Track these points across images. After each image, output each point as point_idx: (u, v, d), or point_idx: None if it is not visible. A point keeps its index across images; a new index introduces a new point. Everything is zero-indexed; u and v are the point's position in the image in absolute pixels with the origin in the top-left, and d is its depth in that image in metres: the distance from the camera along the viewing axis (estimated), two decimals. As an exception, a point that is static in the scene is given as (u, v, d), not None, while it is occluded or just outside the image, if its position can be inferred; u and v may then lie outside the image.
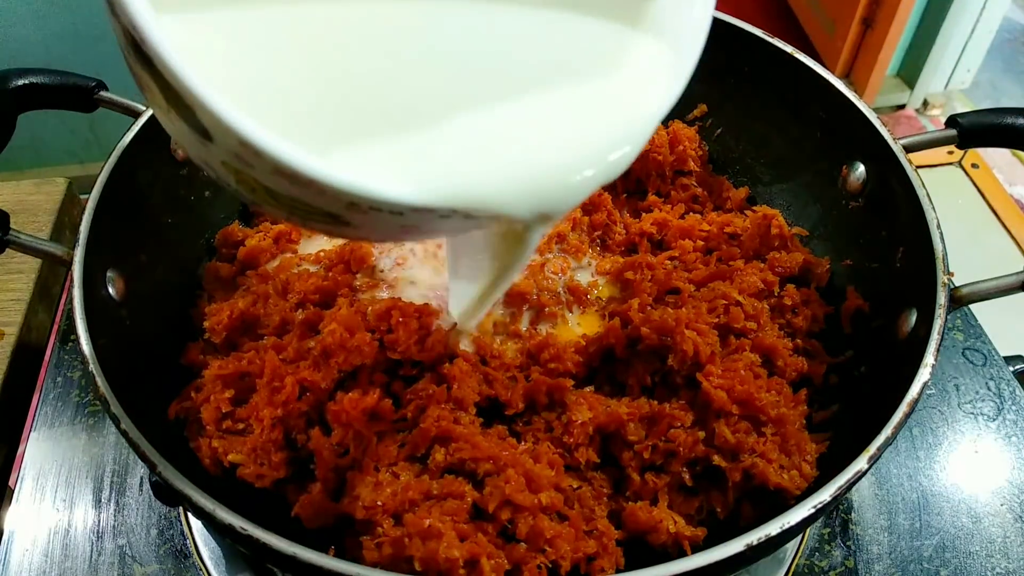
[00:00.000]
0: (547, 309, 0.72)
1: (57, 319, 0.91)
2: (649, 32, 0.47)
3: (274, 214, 0.50)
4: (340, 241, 0.77)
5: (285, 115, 0.38)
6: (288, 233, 0.77)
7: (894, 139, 0.68)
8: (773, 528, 0.47)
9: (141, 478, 0.75)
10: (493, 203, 0.40)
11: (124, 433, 0.51)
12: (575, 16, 0.46)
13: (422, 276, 0.74)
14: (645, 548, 0.58)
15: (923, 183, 0.65)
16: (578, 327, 0.72)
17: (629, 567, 0.55)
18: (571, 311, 0.73)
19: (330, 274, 0.72)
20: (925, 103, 2.23)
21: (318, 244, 0.78)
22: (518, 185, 0.41)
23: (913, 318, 0.61)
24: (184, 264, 0.76)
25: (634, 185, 0.85)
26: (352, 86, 0.40)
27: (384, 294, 0.71)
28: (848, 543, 0.72)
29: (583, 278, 0.76)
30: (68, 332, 0.86)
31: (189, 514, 0.73)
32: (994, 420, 0.80)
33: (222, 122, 0.32)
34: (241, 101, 0.33)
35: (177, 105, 0.34)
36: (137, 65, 0.34)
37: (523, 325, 0.71)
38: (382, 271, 0.74)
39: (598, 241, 0.80)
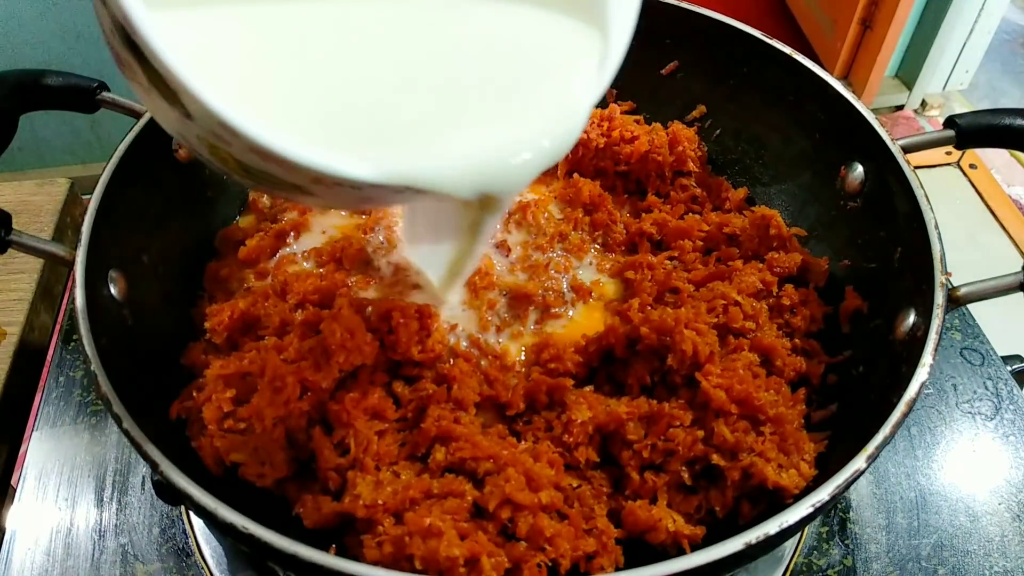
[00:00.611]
0: (552, 309, 0.72)
1: (59, 319, 0.91)
2: (584, 27, 0.51)
3: (241, 182, 0.53)
4: (331, 236, 0.78)
5: (257, 98, 0.41)
6: (288, 233, 0.77)
7: (892, 140, 0.69)
8: (772, 527, 0.47)
9: (143, 477, 0.75)
10: (440, 183, 0.44)
11: (126, 432, 0.51)
12: (519, 12, 0.50)
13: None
14: (644, 547, 0.58)
15: (921, 183, 0.65)
16: (585, 325, 0.72)
17: (628, 565, 0.55)
18: (574, 307, 0.74)
19: (323, 272, 0.72)
20: (923, 104, 2.23)
21: (311, 242, 0.78)
22: (462, 168, 0.45)
23: (911, 318, 0.61)
24: (185, 264, 0.76)
25: (634, 185, 0.85)
26: (320, 76, 0.44)
27: (378, 293, 0.72)
28: (846, 542, 0.72)
29: (586, 276, 0.76)
30: (70, 332, 0.87)
31: (191, 513, 0.73)
32: (992, 419, 0.80)
33: (205, 107, 0.35)
34: (219, 84, 0.36)
35: (160, 87, 0.36)
36: (124, 51, 0.36)
37: (529, 325, 0.71)
38: (378, 270, 0.74)
39: (599, 240, 0.80)
